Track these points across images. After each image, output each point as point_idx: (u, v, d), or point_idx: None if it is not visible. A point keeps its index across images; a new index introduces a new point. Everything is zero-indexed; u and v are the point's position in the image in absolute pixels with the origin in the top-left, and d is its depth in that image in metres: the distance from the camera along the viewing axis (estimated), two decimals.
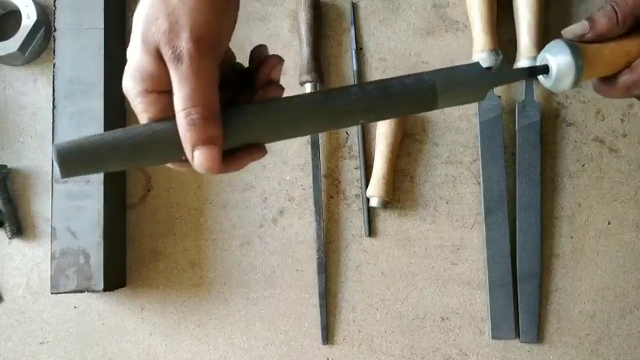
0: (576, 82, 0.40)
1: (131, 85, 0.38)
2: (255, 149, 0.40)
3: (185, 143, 0.37)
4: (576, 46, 0.40)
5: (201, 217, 0.73)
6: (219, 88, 0.38)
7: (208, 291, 0.73)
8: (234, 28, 0.41)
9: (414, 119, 0.74)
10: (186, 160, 0.38)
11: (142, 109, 0.38)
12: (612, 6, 0.42)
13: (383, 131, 0.71)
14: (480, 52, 0.71)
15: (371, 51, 0.75)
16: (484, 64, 0.71)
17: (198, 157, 0.36)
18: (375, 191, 0.70)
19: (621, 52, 0.44)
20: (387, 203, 0.72)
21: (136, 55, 0.37)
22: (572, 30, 0.43)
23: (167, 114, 0.38)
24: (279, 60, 0.43)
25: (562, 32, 0.44)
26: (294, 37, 0.75)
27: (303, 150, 0.74)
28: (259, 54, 0.43)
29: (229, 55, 0.44)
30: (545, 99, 0.74)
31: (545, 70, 0.39)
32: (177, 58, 0.36)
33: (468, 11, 0.73)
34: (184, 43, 0.36)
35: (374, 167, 0.71)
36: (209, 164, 0.36)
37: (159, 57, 0.37)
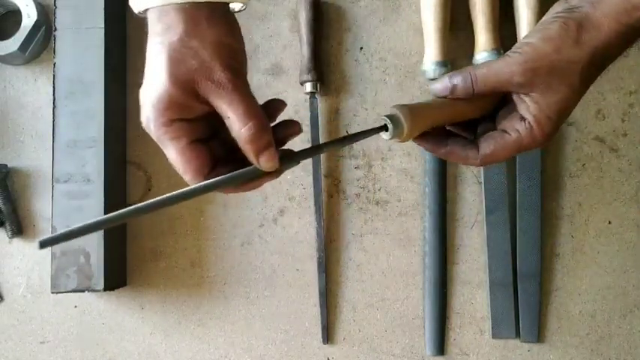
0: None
1: (154, 115, 0.42)
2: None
3: (250, 153, 0.42)
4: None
5: (201, 217, 0.73)
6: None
7: (208, 290, 0.73)
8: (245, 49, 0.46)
9: None
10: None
11: (170, 137, 0.43)
12: (471, 77, 0.47)
13: None
14: (481, 51, 0.71)
15: (371, 50, 0.75)
16: None
17: (264, 160, 0.43)
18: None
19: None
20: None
21: (160, 90, 0.42)
22: (434, 90, 0.49)
23: (195, 137, 0.43)
24: (297, 130, 0.48)
25: (429, 88, 0.50)
26: (294, 37, 0.75)
27: None
28: (275, 109, 0.48)
29: None
30: None
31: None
32: (220, 86, 0.42)
33: (471, 10, 0.73)
34: (220, 74, 0.42)
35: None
36: (273, 162, 0.43)
37: (191, 90, 0.42)
